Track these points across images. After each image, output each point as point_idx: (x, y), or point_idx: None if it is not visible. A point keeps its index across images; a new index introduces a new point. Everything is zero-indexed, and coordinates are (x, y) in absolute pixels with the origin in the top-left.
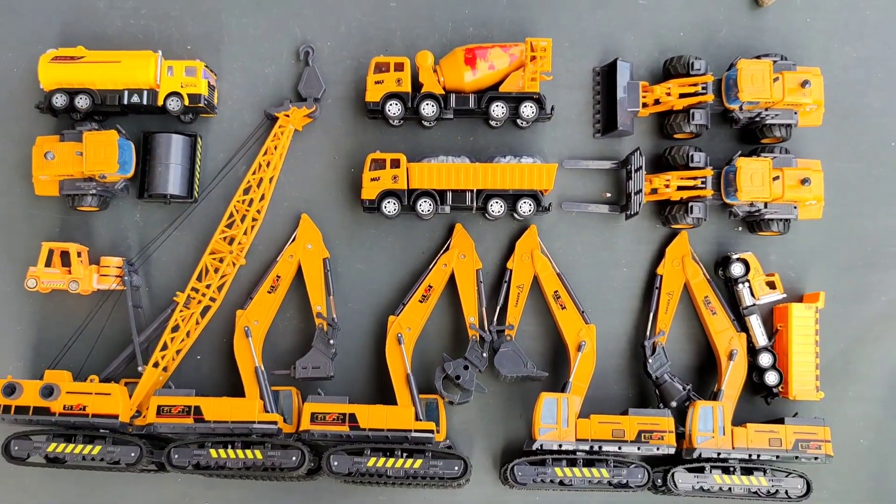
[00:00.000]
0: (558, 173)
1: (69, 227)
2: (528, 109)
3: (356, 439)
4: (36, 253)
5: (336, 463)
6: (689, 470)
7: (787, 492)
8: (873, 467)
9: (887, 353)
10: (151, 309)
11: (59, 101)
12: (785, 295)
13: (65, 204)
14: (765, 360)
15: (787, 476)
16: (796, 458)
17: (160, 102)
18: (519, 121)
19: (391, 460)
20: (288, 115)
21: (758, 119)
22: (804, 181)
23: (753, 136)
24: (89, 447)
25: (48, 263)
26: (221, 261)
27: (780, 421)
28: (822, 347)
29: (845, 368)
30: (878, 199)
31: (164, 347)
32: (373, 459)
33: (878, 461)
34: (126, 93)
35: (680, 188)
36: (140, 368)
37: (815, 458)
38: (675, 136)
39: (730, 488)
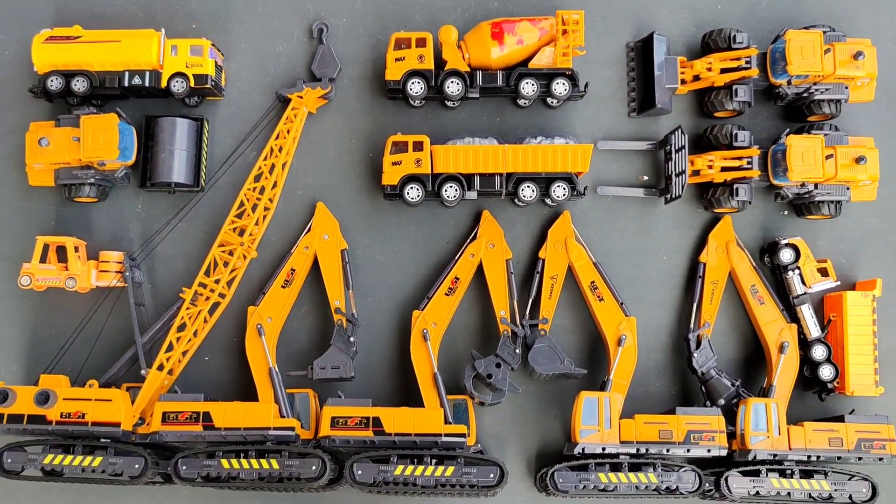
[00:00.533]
0: (591, 155)
1: (66, 219)
2: (560, 86)
3: (381, 445)
4: (30, 248)
5: (360, 472)
6: (744, 473)
7: (850, 496)
8: None
9: None
10: (155, 307)
11: (55, 84)
12: (839, 282)
13: (61, 195)
14: (818, 352)
15: (850, 479)
16: (859, 458)
17: (164, 84)
18: (549, 99)
19: (420, 468)
20: (301, 97)
21: (805, 95)
22: (859, 159)
23: (799, 113)
24: (89, 458)
25: (43, 259)
26: (231, 253)
27: (839, 419)
28: (880, 338)
29: None
30: None
31: (170, 348)
32: (400, 467)
33: None
34: (126, 74)
35: (724, 169)
36: (143, 372)
37: (880, 459)
38: (716, 114)
39: (788, 493)
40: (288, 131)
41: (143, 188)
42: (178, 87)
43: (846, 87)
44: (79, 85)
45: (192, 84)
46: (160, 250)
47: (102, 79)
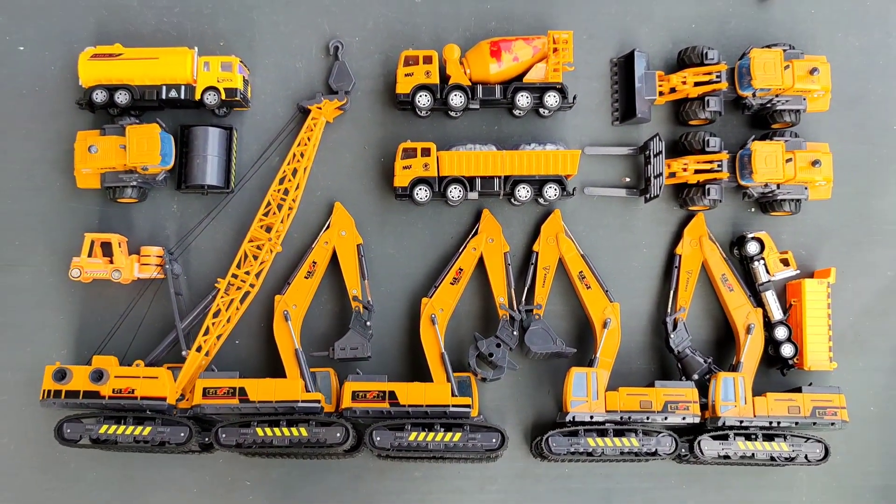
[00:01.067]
0: (579, 160)
1: (108, 218)
2: (551, 99)
3: (396, 415)
4: (76, 244)
5: (378, 438)
6: (714, 438)
7: (806, 456)
8: (884, 432)
9: (894, 324)
10: (190, 296)
11: (100, 97)
12: (798, 271)
13: (104, 196)
14: (780, 333)
15: (806, 441)
16: (814, 424)
17: (198, 97)
18: (542, 110)
19: (431, 434)
20: (320, 108)
21: (769, 105)
22: (815, 163)
23: (764, 121)
24: (139, 428)
25: (90, 254)
26: (260, 248)
27: (798, 390)
28: (834, 320)
29: (856, 340)
30: (882, 179)
31: (206, 332)
32: (413, 434)
33: (889, 426)
34: (164, 88)
35: (697, 171)
36: (184, 353)
37: (832, 425)
38: (690, 122)
39: (752, 454)
40: (308, 139)
41: (179, 190)
42: (210, 99)
43: (804, 99)
44: (121, 98)
45: (223, 97)
46: (194, 246)
47: (142, 92)
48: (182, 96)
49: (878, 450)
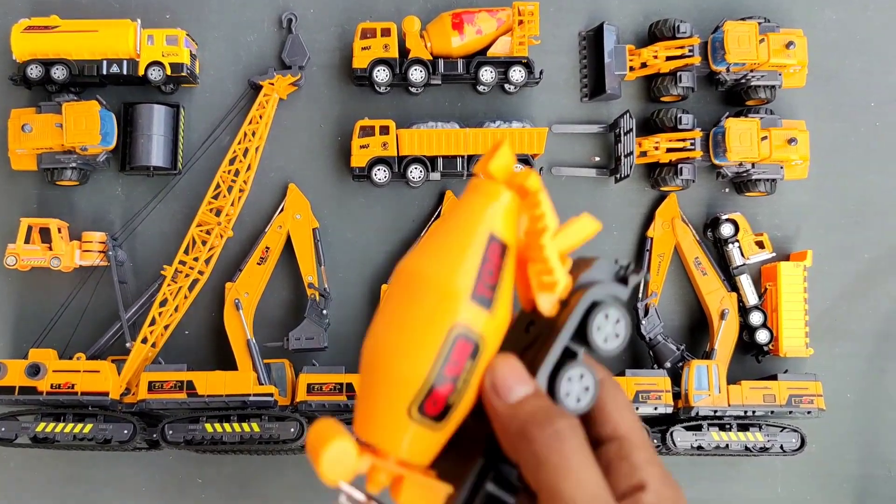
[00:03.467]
0: (546, 138)
1: (47, 202)
2: (516, 74)
3: (346, 408)
4: (12, 230)
5: None
6: (687, 428)
7: (781, 446)
8: (861, 420)
9: (872, 309)
10: (137, 284)
11: (35, 72)
12: (774, 254)
13: (43, 179)
14: (755, 318)
15: (781, 431)
16: (790, 412)
17: (141, 72)
18: (507, 86)
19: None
20: (272, 84)
21: (743, 81)
22: (791, 141)
23: (738, 97)
24: (80, 426)
25: (27, 240)
26: (209, 233)
27: (773, 378)
28: (811, 305)
29: (832, 325)
30: (860, 158)
31: (153, 322)
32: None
33: (866, 414)
34: (105, 63)
35: (669, 150)
36: (128, 344)
37: (808, 413)
38: (662, 98)
39: (727, 445)
40: (260, 117)
41: (123, 172)
42: (154, 75)
43: (780, 74)
44: (58, 73)
45: (169, 72)
46: (140, 231)
47: (81, 67)
48: (124, 72)
49: (856, 438)
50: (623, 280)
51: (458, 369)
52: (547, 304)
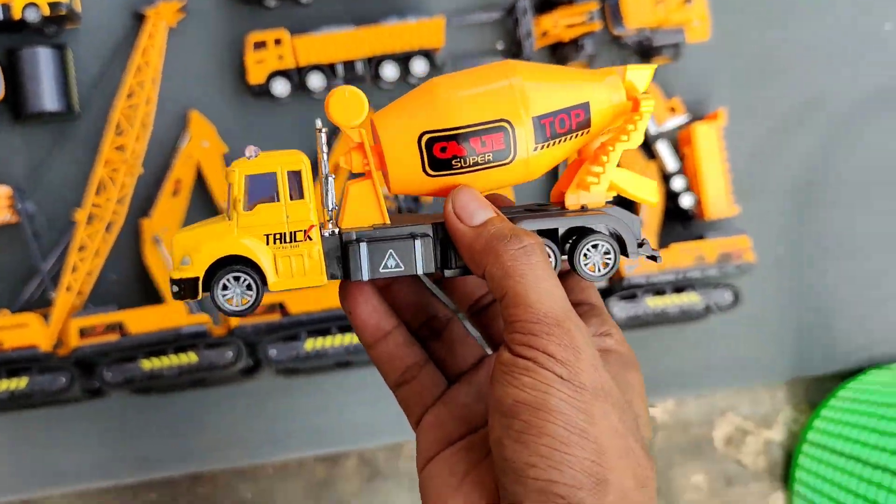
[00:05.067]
0: (448, 30)
1: None
2: None
3: (289, 325)
4: None
5: (274, 352)
6: (622, 298)
7: (716, 304)
8: (794, 272)
9: (787, 164)
10: (52, 234)
11: None
12: (688, 117)
13: None
14: (678, 184)
15: (715, 288)
16: (721, 270)
17: (17, 16)
18: None
19: (329, 339)
20: (157, 12)
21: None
22: (686, 1)
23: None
24: (15, 381)
25: None
26: (116, 170)
27: (702, 238)
28: (731, 164)
29: (751, 182)
30: (761, 13)
31: (74, 269)
32: (310, 341)
33: (799, 266)
34: None
35: (569, 26)
36: (52, 294)
37: (738, 267)
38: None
39: (663, 309)
40: (152, 46)
41: (18, 121)
42: (31, 16)
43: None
44: None
45: (47, 13)
46: (47, 180)
47: None
48: (0, 17)
49: (792, 290)
50: (640, 245)
51: (478, 145)
52: (574, 201)
